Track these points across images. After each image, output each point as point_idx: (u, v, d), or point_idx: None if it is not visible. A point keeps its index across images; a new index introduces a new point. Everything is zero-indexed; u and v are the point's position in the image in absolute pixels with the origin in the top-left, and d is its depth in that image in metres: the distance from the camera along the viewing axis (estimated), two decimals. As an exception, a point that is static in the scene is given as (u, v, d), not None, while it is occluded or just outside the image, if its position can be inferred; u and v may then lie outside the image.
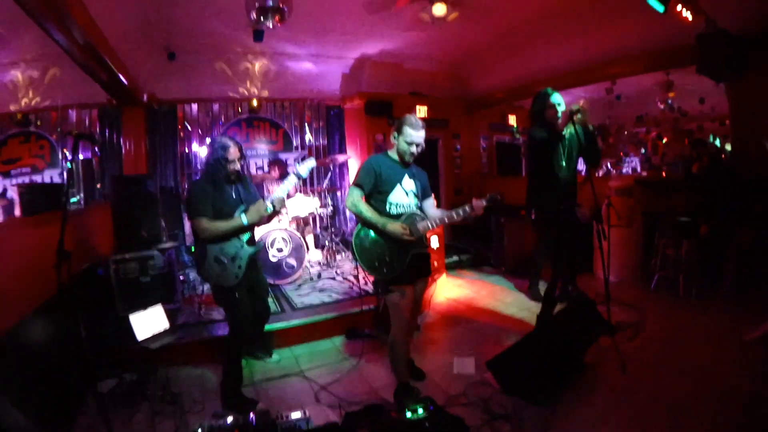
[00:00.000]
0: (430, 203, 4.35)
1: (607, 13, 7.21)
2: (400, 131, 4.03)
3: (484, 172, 12.45)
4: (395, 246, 3.93)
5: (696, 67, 6.13)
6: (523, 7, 7.31)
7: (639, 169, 12.98)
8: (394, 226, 3.86)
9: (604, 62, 8.26)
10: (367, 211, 3.92)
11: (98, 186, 8.79)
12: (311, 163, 4.29)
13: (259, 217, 4.10)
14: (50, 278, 3.13)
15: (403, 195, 4.08)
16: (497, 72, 10.50)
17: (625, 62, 7.95)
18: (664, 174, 10.82)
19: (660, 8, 4.63)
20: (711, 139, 12.52)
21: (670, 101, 12.02)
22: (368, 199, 4.02)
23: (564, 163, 5.16)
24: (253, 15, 5.76)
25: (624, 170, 12.84)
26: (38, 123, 8.71)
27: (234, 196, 4.18)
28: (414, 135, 3.98)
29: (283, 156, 9.93)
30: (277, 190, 4.22)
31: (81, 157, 8.73)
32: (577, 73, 8.89)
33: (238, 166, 4.13)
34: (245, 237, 4.12)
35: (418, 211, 4.13)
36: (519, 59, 9.57)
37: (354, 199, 3.96)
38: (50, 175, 8.69)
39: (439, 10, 6.02)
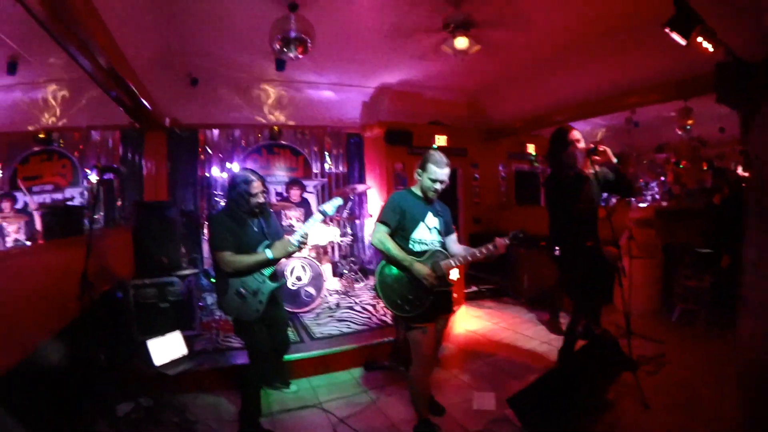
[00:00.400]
0: (453, 239, 4.32)
1: (624, 45, 7.19)
2: (424, 168, 4.03)
3: (503, 201, 12.40)
4: (418, 284, 3.90)
5: (716, 97, 6.08)
6: (543, 41, 7.31)
7: (658, 196, 12.89)
8: (421, 268, 3.85)
9: (622, 92, 8.22)
10: (394, 249, 3.90)
11: (118, 203, 8.86)
12: (338, 201, 4.28)
13: (285, 253, 4.09)
14: (71, 301, 3.14)
15: (426, 232, 4.07)
16: (516, 101, 10.48)
17: (643, 92, 7.90)
18: (684, 204, 10.73)
19: (682, 42, 4.60)
20: (733, 166, 12.42)
21: (688, 128, 11.94)
22: (393, 236, 4.00)
23: (587, 201, 5.11)
24: (277, 46, 5.80)
25: (645, 199, 12.72)
26: (61, 142, 8.83)
27: (256, 230, 4.17)
28: (438, 172, 3.98)
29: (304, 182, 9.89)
30: (302, 227, 4.20)
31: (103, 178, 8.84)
32: (595, 103, 8.89)
33: (261, 199, 4.13)
34: (267, 272, 4.10)
35: (441, 249, 4.11)
36: (538, 89, 9.54)
37: (381, 237, 3.94)
38: (71, 194, 8.78)
39: (462, 43, 6.02)
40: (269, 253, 3.99)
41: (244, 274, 3.98)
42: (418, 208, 4.08)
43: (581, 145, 4.90)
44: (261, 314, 4.01)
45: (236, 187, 4.04)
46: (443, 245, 4.18)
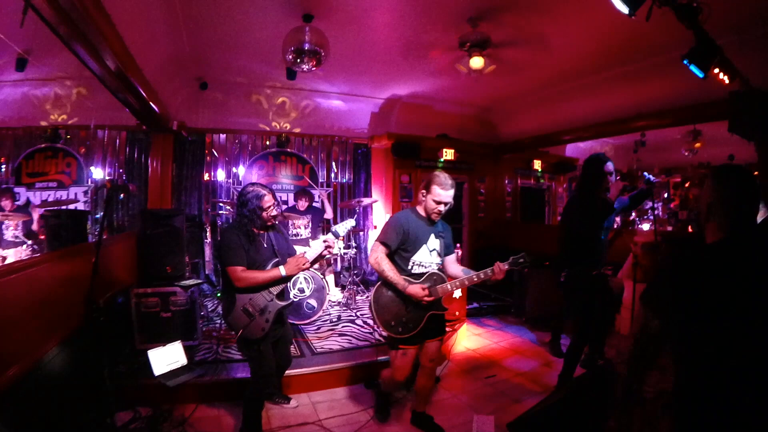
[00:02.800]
0: (452, 259, 4.35)
1: (638, 70, 7.23)
2: (428, 189, 4.03)
3: (508, 217, 12.37)
4: (413, 306, 3.93)
5: (728, 125, 6.05)
6: (559, 63, 7.32)
7: (661, 213, 12.89)
8: (415, 289, 3.86)
9: (632, 115, 8.21)
10: (390, 271, 3.91)
11: (119, 203, 8.87)
12: (350, 223, 4.27)
13: (298, 270, 4.06)
14: (75, 311, 3.11)
15: (427, 254, 4.09)
16: (525, 118, 10.50)
17: (654, 116, 7.91)
18: (690, 229, 10.69)
19: (700, 74, 4.57)
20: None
21: (696, 150, 11.92)
22: (392, 256, 4.00)
23: (604, 229, 5.13)
24: (290, 57, 5.77)
25: (648, 218, 12.71)
26: (68, 136, 8.81)
27: (266, 246, 4.15)
28: (443, 194, 3.99)
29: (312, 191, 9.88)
30: (314, 245, 4.18)
31: (107, 178, 8.83)
32: (604, 125, 8.92)
33: (274, 212, 4.10)
34: (275, 290, 4.07)
35: (439, 272, 4.12)
36: (548, 108, 9.56)
37: (378, 257, 3.95)
38: (75, 192, 8.79)
39: (477, 63, 6.00)
40: (283, 270, 3.97)
41: (255, 290, 3.95)
42: (422, 229, 4.08)
43: (612, 178, 5.01)
44: (267, 333, 3.98)
45: (247, 204, 4.00)
46: (442, 267, 4.21)
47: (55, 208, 7.12)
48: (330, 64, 6.34)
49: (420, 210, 4.17)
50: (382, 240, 4.01)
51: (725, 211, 2.06)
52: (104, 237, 7.14)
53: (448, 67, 6.97)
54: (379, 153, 10.66)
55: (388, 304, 3.98)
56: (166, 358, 4.81)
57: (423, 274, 4.03)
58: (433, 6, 5.49)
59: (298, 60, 5.77)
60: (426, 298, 3.87)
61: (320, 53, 5.74)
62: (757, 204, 2.08)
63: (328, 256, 4.44)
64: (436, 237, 4.15)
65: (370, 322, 7.15)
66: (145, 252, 6.00)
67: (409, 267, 4.03)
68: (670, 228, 11.40)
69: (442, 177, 4.01)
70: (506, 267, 3.89)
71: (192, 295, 5.85)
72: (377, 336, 6.46)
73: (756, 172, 6.90)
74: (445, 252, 4.26)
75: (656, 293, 2.18)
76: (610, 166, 5.02)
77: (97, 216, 8.49)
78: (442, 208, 4.03)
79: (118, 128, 8.94)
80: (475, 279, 3.99)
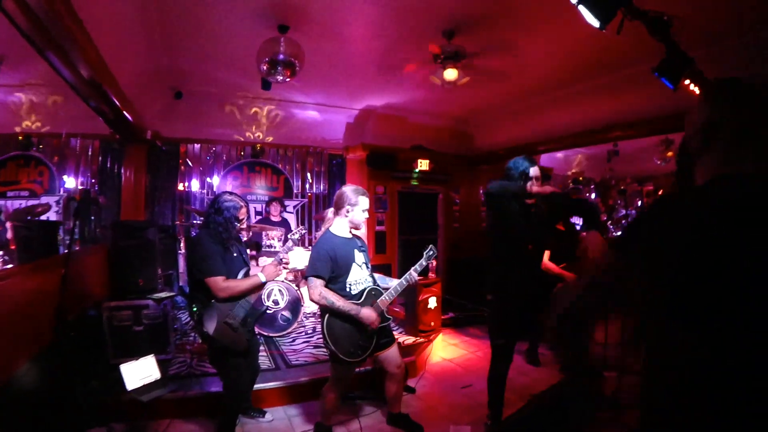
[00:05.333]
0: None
1: (610, 82, 7.36)
2: (354, 203, 4.08)
3: (483, 227, 12.40)
4: (363, 326, 3.95)
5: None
6: (532, 76, 7.43)
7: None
8: (367, 312, 3.92)
9: (606, 126, 8.32)
10: (338, 300, 3.91)
11: (92, 218, 8.73)
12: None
13: (276, 276, 4.08)
14: (46, 326, 3.06)
15: (359, 271, 4.13)
16: (500, 130, 10.58)
17: (627, 127, 8.01)
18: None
19: (671, 86, 4.64)
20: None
21: (668, 159, 12.09)
22: (327, 284, 4.00)
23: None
24: (264, 67, 5.76)
25: (622, 226, 12.86)
26: (40, 146, 8.66)
27: (235, 255, 4.13)
28: (367, 202, 4.17)
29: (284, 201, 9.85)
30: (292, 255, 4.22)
31: (80, 187, 8.69)
32: (578, 135, 9.01)
33: (244, 226, 4.10)
34: (253, 299, 4.05)
35: (374, 285, 4.21)
36: (522, 119, 9.67)
37: (320, 291, 3.91)
38: (47, 202, 8.57)
39: (451, 75, 6.03)
40: (262, 277, 3.96)
41: (235, 300, 3.91)
42: (346, 249, 4.11)
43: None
44: (249, 343, 3.98)
45: (223, 212, 3.98)
46: (373, 278, 4.28)
47: (28, 218, 6.98)
48: (305, 75, 6.35)
49: (338, 230, 4.18)
50: (314, 274, 3.96)
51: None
52: (76, 249, 7.07)
53: (423, 78, 7.00)
54: (354, 164, 10.66)
55: (343, 333, 3.97)
56: (139, 372, 4.73)
57: (362, 291, 4.08)
58: (408, 19, 5.52)
59: (273, 71, 5.76)
60: (377, 319, 3.97)
61: (295, 64, 5.73)
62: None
63: (301, 267, 4.44)
64: (359, 251, 4.22)
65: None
66: (116, 264, 5.91)
67: (348, 289, 4.05)
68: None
69: (360, 188, 4.19)
70: (425, 263, 4.27)
71: (165, 308, 5.78)
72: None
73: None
74: (368, 262, 4.34)
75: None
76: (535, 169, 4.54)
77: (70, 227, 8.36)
78: (367, 214, 4.18)
79: (91, 137, 8.82)
80: (405, 284, 4.21)
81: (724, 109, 1.56)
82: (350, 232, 4.20)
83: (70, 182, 8.74)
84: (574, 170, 15.16)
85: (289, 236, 4.36)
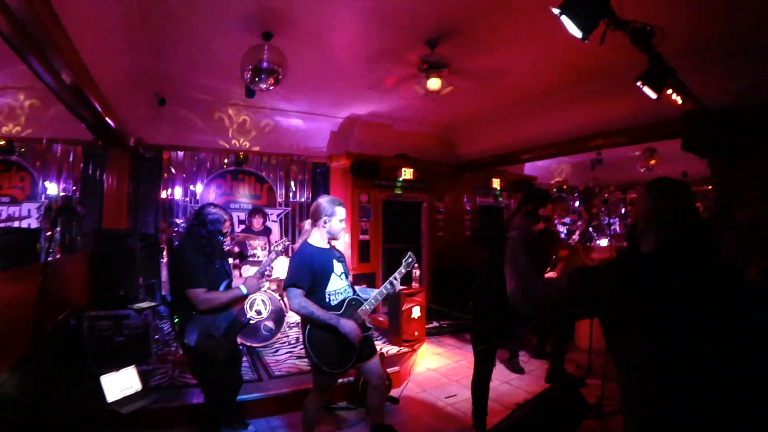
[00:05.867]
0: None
1: (593, 91, 7.42)
2: (331, 213, 4.07)
3: (467, 236, 12.43)
4: (344, 336, 3.90)
5: (681, 144, 6.20)
6: (515, 85, 7.48)
7: (618, 229, 13.14)
8: (349, 324, 3.86)
9: (589, 134, 8.40)
10: (318, 311, 3.85)
11: (74, 224, 8.62)
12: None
13: (258, 288, 4.03)
14: (24, 336, 3.00)
15: (338, 281, 4.10)
16: (484, 138, 10.59)
17: (610, 135, 8.10)
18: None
19: (653, 95, 4.68)
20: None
21: (651, 167, 12.23)
22: (307, 295, 3.95)
23: None
24: (248, 75, 5.72)
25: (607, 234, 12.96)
26: (22, 150, 8.49)
27: (217, 266, 4.09)
28: (344, 212, 4.15)
29: (267, 211, 9.78)
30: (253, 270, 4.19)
31: (62, 194, 8.58)
32: (562, 144, 9.09)
33: (228, 240, 4.07)
34: (235, 310, 4.01)
35: (354, 295, 4.17)
36: (506, 128, 9.70)
37: (300, 302, 3.85)
38: (28, 208, 8.46)
39: (434, 84, 6.04)
40: (244, 289, 3.91)
41: (218, 311, 3.86)
42: (324, 259, 4.08)
43: None
44: (232, 354, 3.94)
45: (207, 225, 3.94)
46: (353, 288, 4.26)
47: (7, 224, 6.89)
48: (289, 83, 6.32)
49: (316, 241, 4.14)
50: (294, 284, 3.91)
51: (662, 222, 2.06)
52: (57, 257, 6.99)
53: (407, 87, 7.00)
54: (338, 172, 10.62)
55: (325, 344, 3.91)
56: (120, 383, 4.67)
57: (342, 302, 4.04)
58: (392, 28, 5.54)
59: (257, 78, 5.72)
60: (358, 329, 3.91)
61: (278, 72, 5.70)
62: (692, 213, 2.09)
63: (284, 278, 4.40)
64: (338, 261, 4.19)
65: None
66: (97, 273, 5.84)
67: (328, 299, 4.00)
68: (626, 243, 11.59)
69: (336, 199, 4.19)
70: (403, 270, 4.28)
71: (146, 319, 5.72)
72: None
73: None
74: (347, 272, 4.32)
75: (585, 274, 2.19)
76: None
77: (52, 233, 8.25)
78: (344, 224, 4.17)
79: (73, 143, 8.69)
80: (385, 292, 4.19)
81: (656, 202, 2.12)
82: (328, 242, 4.17)
83: (52, 188, 8.60)
84: (558, 179, 15.27)
85: (272, 248, 4.33)
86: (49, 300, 4.34)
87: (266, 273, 4.17)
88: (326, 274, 4.01)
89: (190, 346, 3.81)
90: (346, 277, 4.21)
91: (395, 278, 4.19)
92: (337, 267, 4.12)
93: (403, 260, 4.38)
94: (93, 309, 5.52)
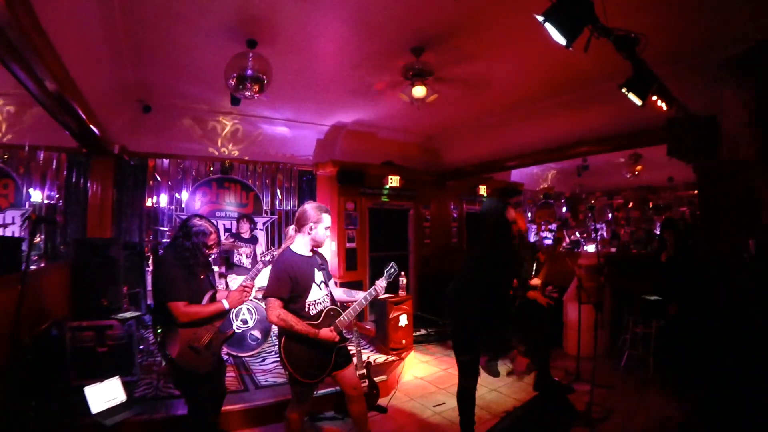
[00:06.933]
0: (332, 284, 4.37)
1: (578, 98, 7.47)
2: (317, 220, 4.05)
3: (454, 243, 12.45)
4: (321, 347, 3.91)
5: (667, 150, 6.23)
6: (500, 93, 7.52)
7: (605, 234, 13.23)
8: (326, 333, 3.85)
9: (573, 142, 8.43)
10: (297, 323, 3.81)
11: (57, 232, 8.53)
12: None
13: (241, 303, 3.98)
14: (2, 347, 2.95)
15: (318, 291, 4.08)
16: (470, 146, 10.62)
17: (595, 142, 8.12)
18: (633, 252, 11.00)
19: (638, 102, 4.69)
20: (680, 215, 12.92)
21: (637, 173, 12.33)
22: (286, 305, 3.91)
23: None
24: (232, 83, 5.68)
25: (593, 239, 13.03)
26: (6, 156, 8.40)
27: (202, 278, 4.03)
28: (330, 219, 4.14)
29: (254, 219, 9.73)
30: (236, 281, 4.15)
31: (45, 202, 8.49)
32: (546, 151, 9.11)
33: (215, 251, 4.01)
34: (219, 322, 3.95)
35: (332, 306, 4.15)
36: (491, 135, 9.73)
37: (279, 313, 3.80)
38: (12, 216, 8.36)
39: (419, 92, 6.04)
40: (226, 303, 3.85)
41: (199, 324, 3.81)
42: (306, 268, 4.05)
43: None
44: (214, 366, 3.88)
45: (191, 237, 3.87)
46: (332, 297, 4.23)
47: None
48: (274, 91, 6.31)
49: (299, 248, 4.11)
50: (273, 294, 3.87)
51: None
52: (41, 266, 6.90)
53: (392, 95, 7.02)
54: (324, 180, 10.59)
55: (301, 356, 3.88)
56: (104, 394, 4.61)
57: (321, 312, 4.01)
58: (377, 36, 5.53)
59: (241, 86, 5.68)
60: (336, 339, 3.90)
61: (263, 79, 5.67)
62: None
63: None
64: (319, 269, 4.14)
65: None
66: (79, 283, 5.77)
67: (307, 310, 3.96)
68: (613, 249, 11.67)
69: (322, 205, 4.17)
70: (384, 283, 4.22)
71: (129, 329, 5.64)
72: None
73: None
74: (327, 280, 4.27)
75: None
76: (511, 212, 4.69)
77: (35, 242, 8.14)
78: (329, 231, 4.17)
79: (57, 150, 8.59)
80: (365, 302, 4.16)
81: None
82: (311, 249, 4.14)
83: (36, 195, 8.50)
84: (544, 185, 15.34)
85: (259, 258, 4.29)
86: (30, 310, 4.27)
87: (247, 287, 4.08)
88: (307, 283, 3.97)
89: (171, 357, 3.75)
90: (326, 286, 4.18)
91: (375, 290, 4.14)
92: (318, 276, 4.09)
93: (386, 270, 4.30)
94: (75, 319, 5.44)
